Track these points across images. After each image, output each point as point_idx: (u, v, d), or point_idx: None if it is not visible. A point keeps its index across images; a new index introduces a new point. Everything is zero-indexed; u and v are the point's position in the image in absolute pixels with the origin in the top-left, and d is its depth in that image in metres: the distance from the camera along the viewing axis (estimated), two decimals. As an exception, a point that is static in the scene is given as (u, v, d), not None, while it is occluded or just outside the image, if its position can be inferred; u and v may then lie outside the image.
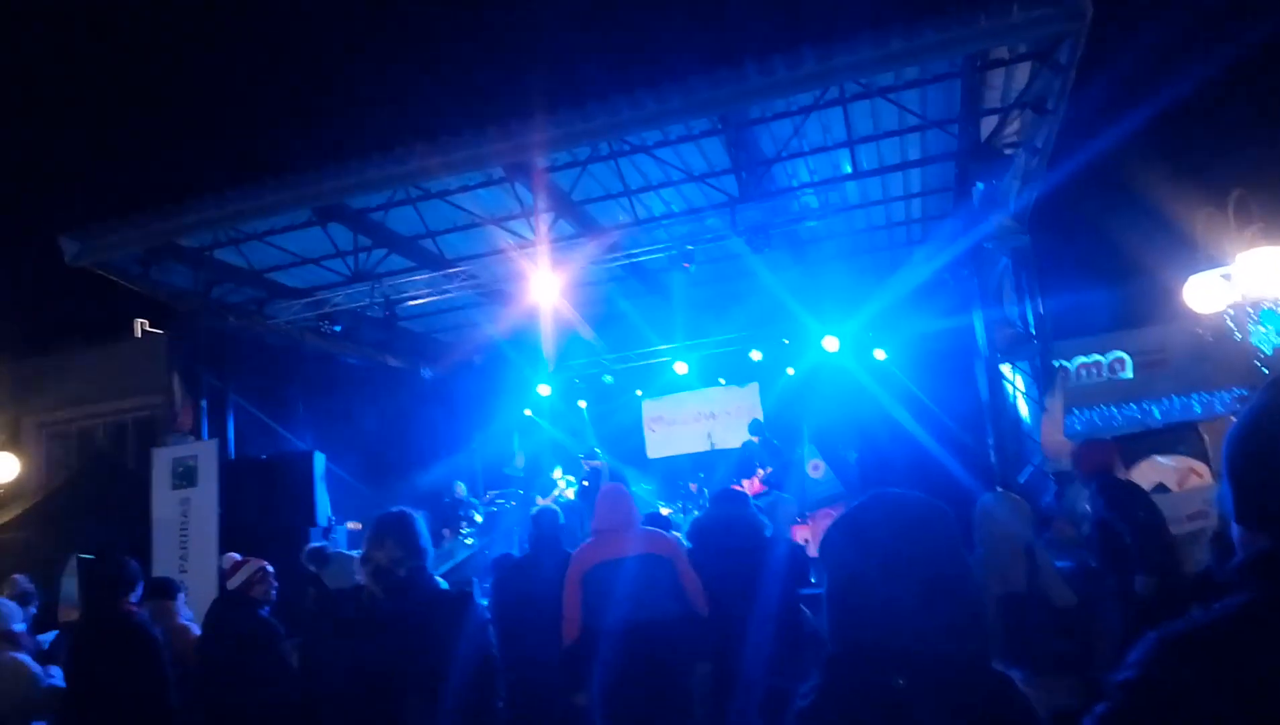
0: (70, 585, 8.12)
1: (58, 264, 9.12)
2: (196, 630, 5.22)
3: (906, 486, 1.66)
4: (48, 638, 5.80)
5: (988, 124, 8.13)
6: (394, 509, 3.40)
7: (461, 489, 12.80)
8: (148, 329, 16.35)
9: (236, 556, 4.90)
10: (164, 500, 9.06)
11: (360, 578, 3.28)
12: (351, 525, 10.36)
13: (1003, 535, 4.56)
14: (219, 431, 9.78)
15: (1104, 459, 5.55)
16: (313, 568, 4.75)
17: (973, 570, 1.56)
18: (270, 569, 4.94)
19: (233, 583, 4.77)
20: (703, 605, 4.67)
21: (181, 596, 5.46)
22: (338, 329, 10.26)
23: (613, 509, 4.80)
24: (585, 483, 12.03)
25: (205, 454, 9.15)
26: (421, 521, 3.35)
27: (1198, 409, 15.26)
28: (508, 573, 5.43)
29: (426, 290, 10.24)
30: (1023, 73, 7.58)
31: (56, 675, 4.81)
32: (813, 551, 8.79)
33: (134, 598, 4.87)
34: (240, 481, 9.29)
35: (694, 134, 8.36)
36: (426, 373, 14.51)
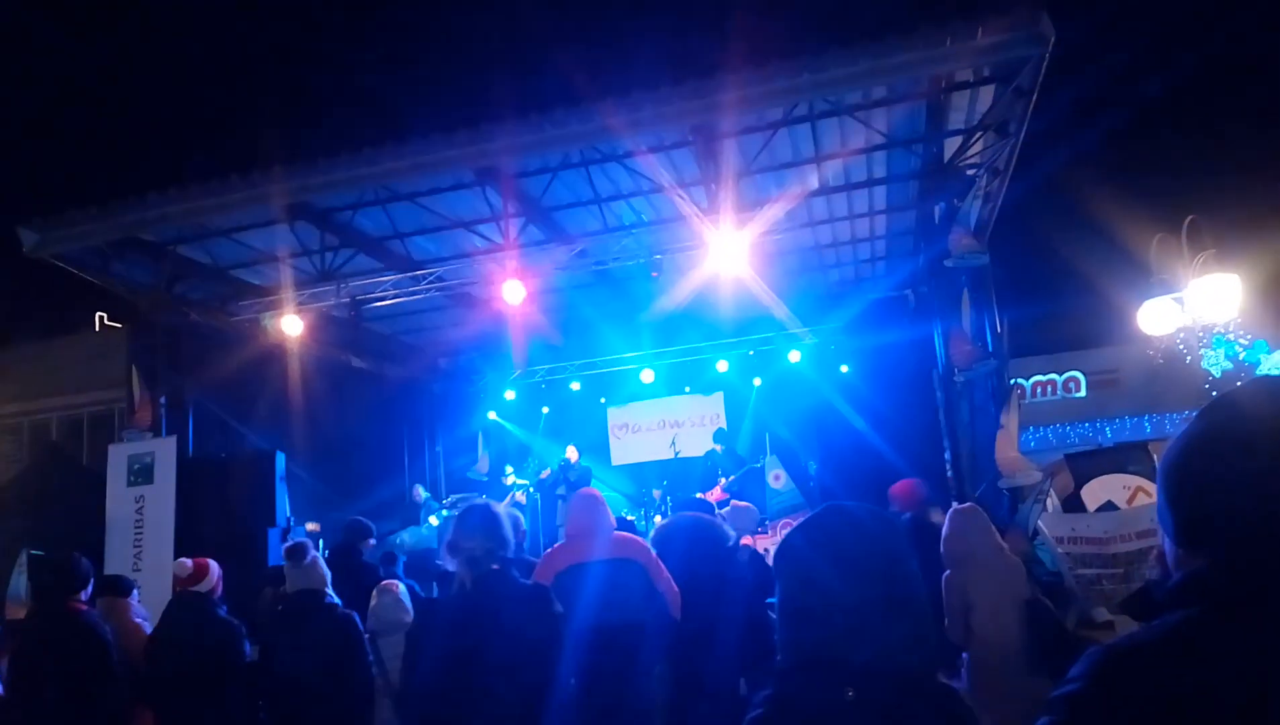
0: (19, 582, 7.96)
1: (15, 255, 8.97)
2: (149, 629, 5.15)
3: (866, 499, 1.71)
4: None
5: (951, 144, 8.30)
6: (480, 502, 3.78)
7: (420, 492, 12.74)
8: (107, 323, 16.11)
9: (188, 562, 4.84)
10: (119, 497, 8.92)
11: (448, 565, 3.56)
12: (310, 526, 10.26)
13: (998, 545, 4.66)
14: (178, 428, 9.63)
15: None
16: (287, 563, 4.69)
17: (921, 583, 1.60)
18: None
19: (203, 585, 4.72)
20: (677, 609, 4.71)
21: (135, 594, 5.39)
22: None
23: (584, 513, 4.81)
24: (548, 471, 12.12)
25: (163, 451, 9.02)
26: (505, 516, 3.67)
27: (1148, 429, 15.65)
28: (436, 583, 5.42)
29: (393, 292, 10.19)
30: (986, 95, 7.76)
31: None
32: (771, 561, 8.87)
33: (84, 596, 4.82)
34: (198, 480, 9.17)
35: (665, 145, 8.44)
36: (436, 387, 14.45)
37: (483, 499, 5.10)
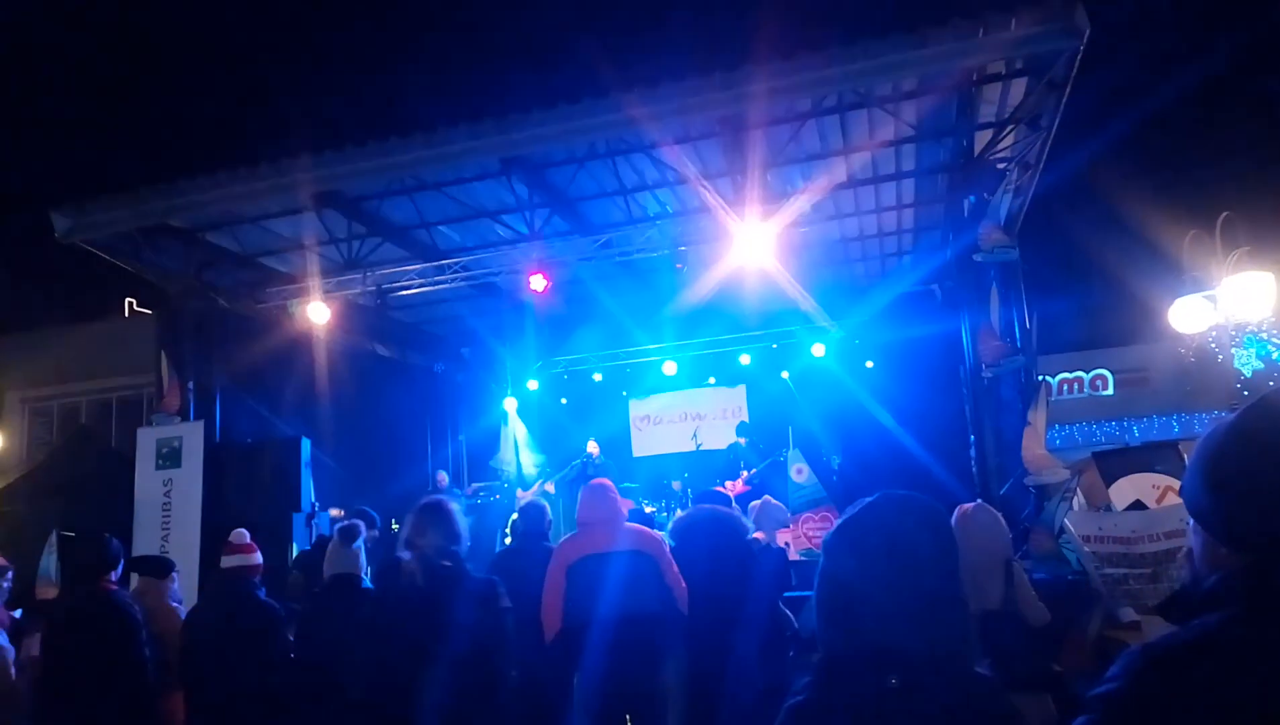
0: (49, 562, 8.08)
1: (48, 239, 9.08)
2: (183, 613, 5.19)
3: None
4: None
5: (981, 137, 8.21)
6: (433, 499, 3.89)
7: (444, 479, 12.80)
8: (136, 308, 16.32)
9: (246, 534, 4.86)
10: (147, 480, 9.04)
11: (404, 557, 3.71)
12: (334, 512, 10.33)
13: (981, 548, 4.51)
14: (205, 413, 9.74)
15: None
16: (335, 540, 4.70)
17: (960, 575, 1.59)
18: None
19: (250, 560, 4.75)
20: (684, 604, 4.70)
21: (175, 577, 5.42)
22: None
23: (596, 503, 4.82)
24: (585, 465, 12.14)
25: (190, 435, 9.13)
26: (459, 511, 3.83)
27: (1176, 429, 15.45)
28: (493, 564, 5.45)
29: (419, 281, 10.24)
30: (1018, 88, 7.66)
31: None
32: (794, 554, 8.85)
33: (114, 576, 4.87)
34: (225, 464, 9.28)
35: (692, 136, 8.40)
36: (438, 366, 14.47)
37: (536, 485, 5.13)
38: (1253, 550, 1.20)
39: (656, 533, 5.16)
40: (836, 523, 1.62)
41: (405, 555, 3.70)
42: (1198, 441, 1.33)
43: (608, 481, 5.08)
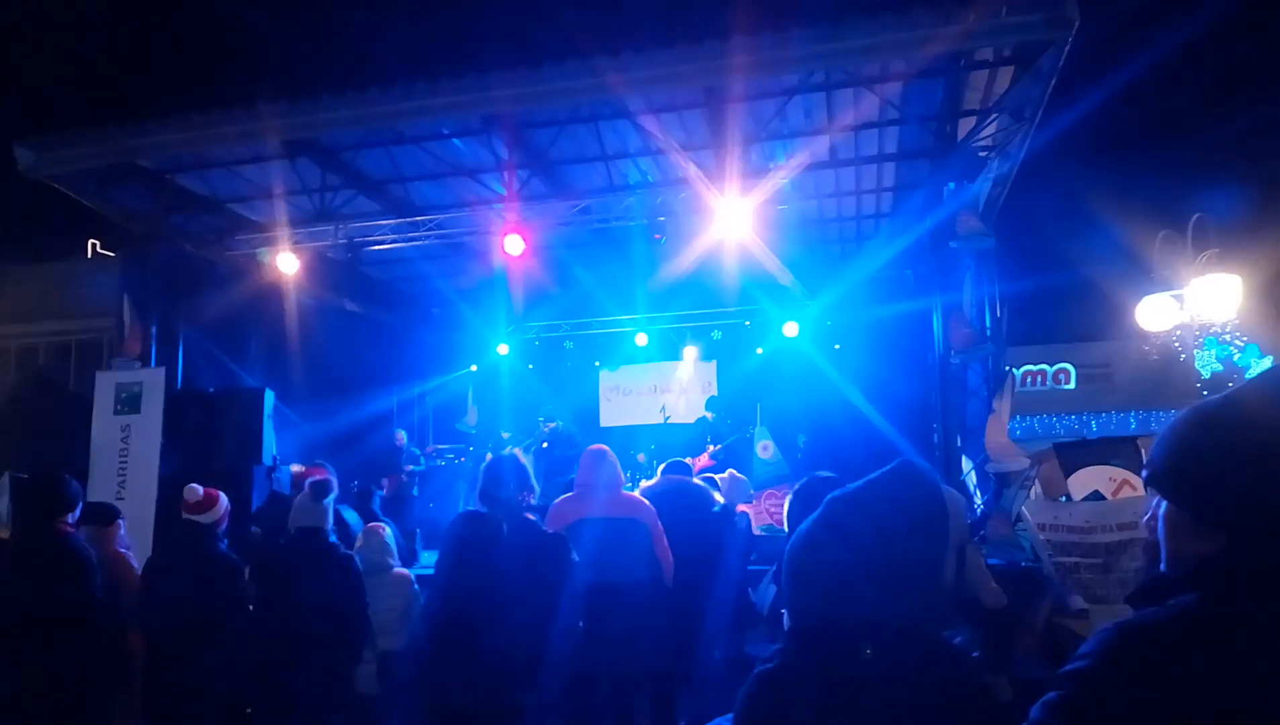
0: (1, 504, 7.93)
1: (11, 176, 8.81)
2: (133, 560, 5.14)
3: (851, 475, 1.67)
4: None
5: (965, 125, 8.22)
6: (506, 453, 4.24)
7: (402, 438, 12.70)
8: (100, 250, 15.96)
9: (199, 489, 4.80)
10: (105, 425, 8.86)
11: (483, 509, 3.99)
12: (295, 468, 10.21)
13: None
14: (167, 360, 9.56)
15: None
16: (305, 494, 4.67)
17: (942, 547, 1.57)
18: None
19: (208, 516, 4.70)
20: (670, 574, 4.78)
21: (121, 523, 5.36)
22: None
23: (595, 468, 4.90)
24: (545, 444, 12.05)
25: (151, 381, 8.96)
26: (531, 463, 4.16)
27: (1134, 425, 15.75)
28: (459, 523, 5.46)
29: (391, 236, 10.09)
30: (1004, 77, 7.68)
31: None
32: (754, 530, 8.90)
33: (72, 518, 4.78)
34: (185, 412, 9.11)
35: (677, 105, 8.32)
36: (430, 338, 14.33)
37: (508, 450, 5.22)
38: (1226, 531, 1.20)
39: (648, 503, 5.19)
40: (838, 490, 1.58)
41: (483, 508, 3.96)
42: (1179, 418, 1.31)
43: (605, 448, 5.15)
